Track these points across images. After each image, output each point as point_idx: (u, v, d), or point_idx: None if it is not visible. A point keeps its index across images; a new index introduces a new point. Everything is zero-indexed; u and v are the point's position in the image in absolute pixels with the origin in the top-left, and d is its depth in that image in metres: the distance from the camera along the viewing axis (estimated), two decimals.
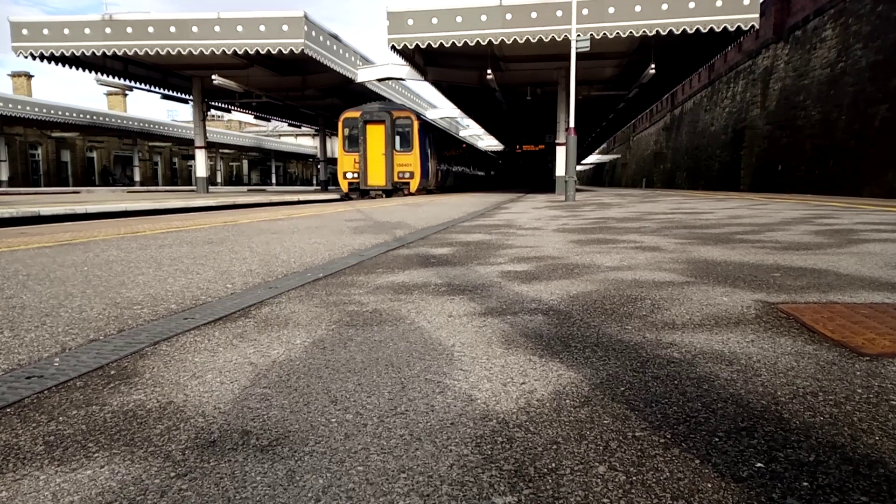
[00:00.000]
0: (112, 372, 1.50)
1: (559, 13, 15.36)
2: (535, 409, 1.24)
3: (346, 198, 19.71)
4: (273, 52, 18.44)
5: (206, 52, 18.44)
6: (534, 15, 15.63)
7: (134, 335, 1.82)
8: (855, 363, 1.52)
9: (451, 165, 26.96)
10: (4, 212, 9.22)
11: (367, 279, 2.86)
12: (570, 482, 0.94)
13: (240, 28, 18.18)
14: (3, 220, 9.15)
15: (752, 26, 14.91)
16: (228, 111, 31.27)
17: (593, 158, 72.58)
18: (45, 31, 18.67)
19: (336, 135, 21.17)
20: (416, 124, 20.08)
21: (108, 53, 18.84)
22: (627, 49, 17.71)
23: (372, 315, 2.11)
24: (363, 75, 23.89)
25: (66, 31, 18.61)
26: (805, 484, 0.92)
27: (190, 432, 1.14)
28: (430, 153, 21.58)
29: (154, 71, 23.70)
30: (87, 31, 18.49)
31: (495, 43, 15.98)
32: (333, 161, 30.06)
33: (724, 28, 14.84)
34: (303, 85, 24.98)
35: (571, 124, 13.92)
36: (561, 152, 19.54)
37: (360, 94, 27.34)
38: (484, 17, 15.85)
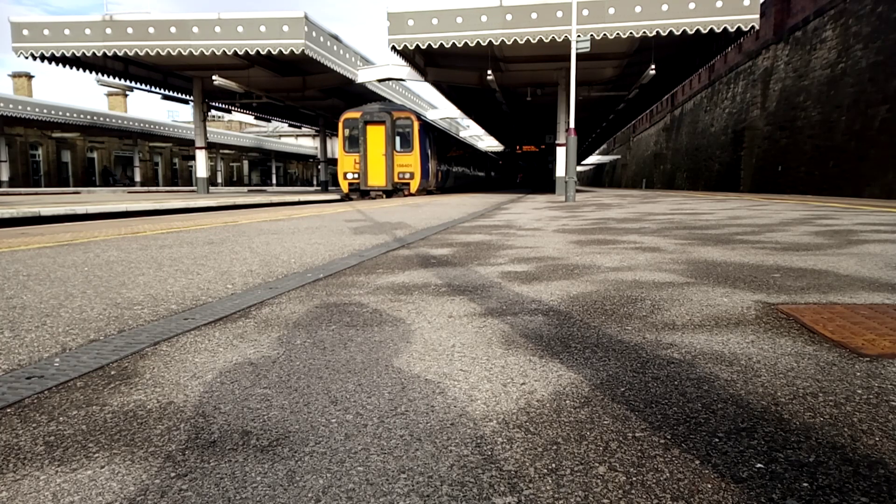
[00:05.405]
0: (112, 372, 1.50)
1: (559, 14, 15.36)
2: (536, 409, 1.24)
3: (346, 198, 19.72)
4: (273, 53, 18.46)
5: (206, 53, 18.45)
6: (534, 16, 15.63)
7: (134, 335, 1.82)
8: (855, 364, 1.52)
9: (451, 166, 26.96)
10: (5, 212, 9.22)
11: (367, 280, 2.86)
12: (570, 482, 0.94)
13: (240, 28, 18.19)
14: (4, 220, 9.16)
15: (752, 27, 14.91)
16: (229, 112, 31.28)
17: (593, 159, 72.60)
18: (46, 32, 18.67)
19: (336, 135, 21.18)
20: (416, 125, 20.09)
21: (109, 54, 18.85)
22: (627, 50, 17.71)
23: (372, 315, 2.11)
24: (363, 76, 23.91)
25: (67, 31, 18.61)
26: (805, 484, 0.93)
27: (190, 432, 1.14)
28: (430, 154, 21.58)
29: (154, 71, 23.72)
30: (87, 31, 18.49)
31: (495, 43, 15.99)
32: (334, 162, 30.09)
33: (724, 29, 14.84)
34: (303, 85, 24.99)
35: (571, 125, 13.92)
36: (561, 153, 19.54)
37: (361, 95, 27.36)
38: (484, 18, 15.86)
